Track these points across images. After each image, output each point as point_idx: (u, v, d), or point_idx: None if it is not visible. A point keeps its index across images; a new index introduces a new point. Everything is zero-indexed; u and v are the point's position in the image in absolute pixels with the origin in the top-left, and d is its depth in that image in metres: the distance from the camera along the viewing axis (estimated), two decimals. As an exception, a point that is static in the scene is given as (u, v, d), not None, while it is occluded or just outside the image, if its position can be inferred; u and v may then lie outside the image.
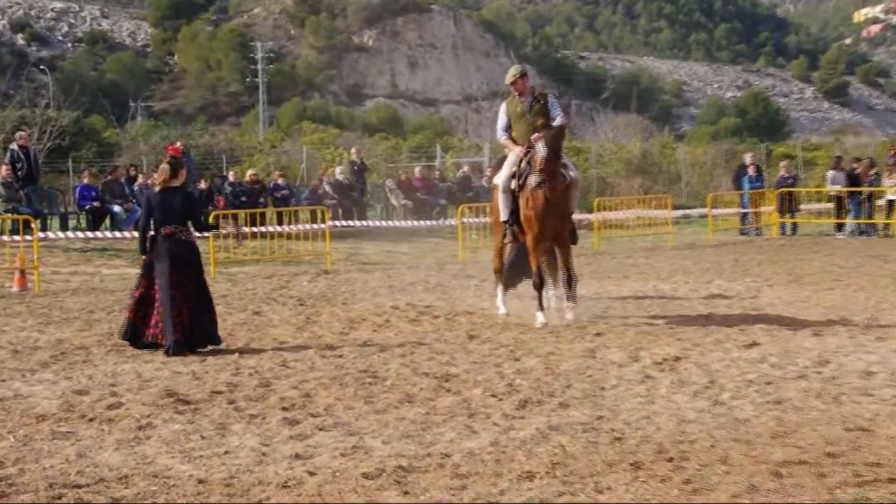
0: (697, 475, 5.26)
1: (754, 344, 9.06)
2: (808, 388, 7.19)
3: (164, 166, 9.59)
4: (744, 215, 25.34)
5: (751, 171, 25.79)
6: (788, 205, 24.84)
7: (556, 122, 10.68)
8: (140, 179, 22.66)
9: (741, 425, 6.24)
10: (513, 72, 11.17)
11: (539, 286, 10.69)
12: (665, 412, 6.60)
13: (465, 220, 20.74)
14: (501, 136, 11.24)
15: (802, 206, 26.89)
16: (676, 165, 39.15)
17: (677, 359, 8.39)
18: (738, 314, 11.09)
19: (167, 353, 8.93)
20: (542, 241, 10.74)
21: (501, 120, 11.22)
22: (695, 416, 6.47)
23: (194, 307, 9.17)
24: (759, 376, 7.63)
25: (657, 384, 7.47)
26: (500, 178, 11.16)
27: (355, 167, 25.22)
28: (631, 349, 8.90)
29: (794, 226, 24.92)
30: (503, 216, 11.00)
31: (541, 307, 10.64)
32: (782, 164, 28.14)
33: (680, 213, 26.97)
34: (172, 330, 9.00)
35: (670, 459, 5.54)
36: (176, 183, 9.50)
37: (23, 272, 15.13)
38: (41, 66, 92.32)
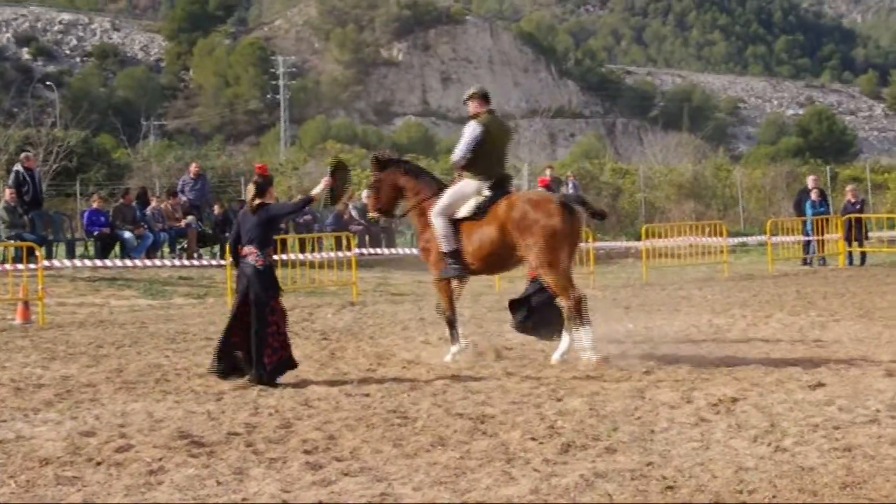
0: (758, 528, 5.20)
1: (820, 384, 8.95)
2: (881, 434, 7.09)
3: (250, 186, 9.90)
4: (807, 243, 25.15)
5: (814, 195, 25.63)
6: (856, 232, 24.62)
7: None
8: (153, 203, 22.90)
9: (806, 474, 6.16)
10: (467, 93, 11.45)
11: (451, 322, 11.07)
12: (721, 458, 6.53)
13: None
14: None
15: (872, 234, 26.65)
16: (732, 189, 38.99)
17: (734, 400, 8.31)
18: (802, 352, 10.99)
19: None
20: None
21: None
22: (754, 464, 6.40)
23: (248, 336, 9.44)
24: (825, 420, 7.54)
25: (712, 428, 7.39)
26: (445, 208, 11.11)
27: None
28: (683, 389, 8.83)
29: (863, 255, 24.71)
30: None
31: (454, 340, 10.99)
32: (849, 187, 27.91)
33: (736, 240, 26.87)
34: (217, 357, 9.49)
35: (728, 510, 5.49)
36: (268, 200, 9.80)
37: (26, 303, 15.27)
38: (48, 83, 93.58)
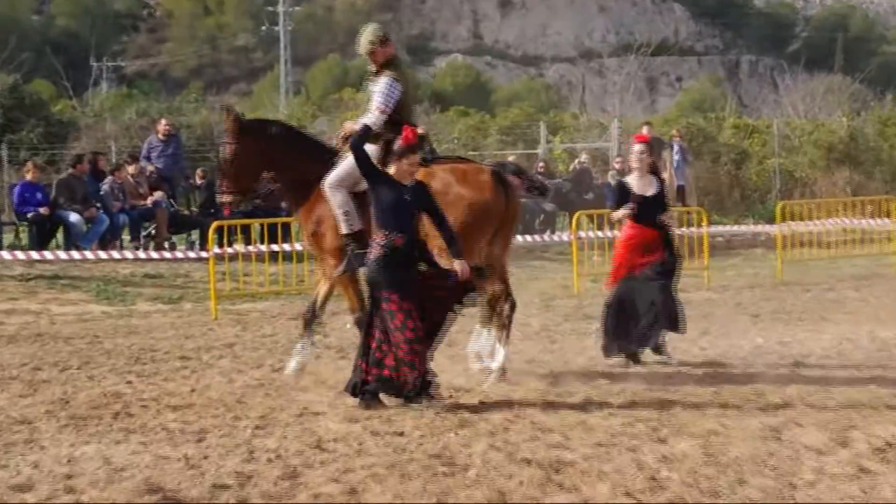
0: None
1: None
2: None
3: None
4: None
5: None
6: None
7: (358, 122, 11.30)
8: (109, 175, 22.87)
9: None
10: (367, 38, 11.69)
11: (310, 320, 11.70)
12: (890, 523, 6.51)
13: (582, 234, 20.71)
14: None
15: None
16: (905, 153, 38.58)
17: (906, 443, 8.28)
18: None
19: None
20: None
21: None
22: (935, 530, 6.38)
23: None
24: None
25: (878, 481, 7.37)
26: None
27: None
28: (836, 428, 8.80)
29: None
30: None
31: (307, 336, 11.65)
32: None
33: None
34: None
35: None
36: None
37: (-61, 310, 15.46)
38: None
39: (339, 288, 11.69)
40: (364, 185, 10.90)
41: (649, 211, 12.38)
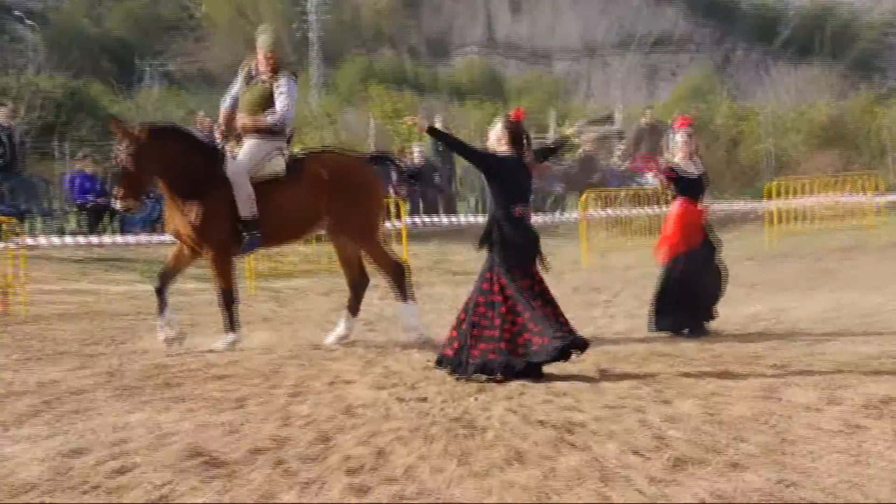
0: (928, 564, 5.09)
1: None
2: None
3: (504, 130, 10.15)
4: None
5: None
6: None
7: (269, 117, 11.77)
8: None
9: None
10: (265, 45, 12.03)
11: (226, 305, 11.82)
12: (878, 476, 6.42)
13: (590, 213, 20.63)
14: (224, 103, 12.26)
15: None
16: (884, 133, 38.46)
17: (893, 400, 8.19)
18: (978, 337, 10.81)
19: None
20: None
21: (233, 87, 12.31)
22: (921, 481, 6.29)
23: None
24: None
25: (866, 436, 7.29)
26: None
27: (439, 145, 25.30)
28: (827, 387, 8.74)
29: None
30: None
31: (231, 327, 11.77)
32: None
33: (891, 198, 26.43)
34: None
35: (888, 542, 5.38)
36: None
37: (2, 291, 15.44)
38: (26, 20, 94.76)
39: (213, 267, 11.80)
40: (264, 173, 11.51)
41: (696, 190, 12.38)
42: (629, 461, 6.86)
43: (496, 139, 10.11)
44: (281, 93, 11.77)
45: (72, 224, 22.16)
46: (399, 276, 12.16)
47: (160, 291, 11.80)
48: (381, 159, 13.28)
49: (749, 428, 7.58)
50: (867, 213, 23.48)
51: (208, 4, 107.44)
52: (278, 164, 11.75)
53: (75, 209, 21.94)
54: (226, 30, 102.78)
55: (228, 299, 11.78)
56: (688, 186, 12.39)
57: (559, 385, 9.21)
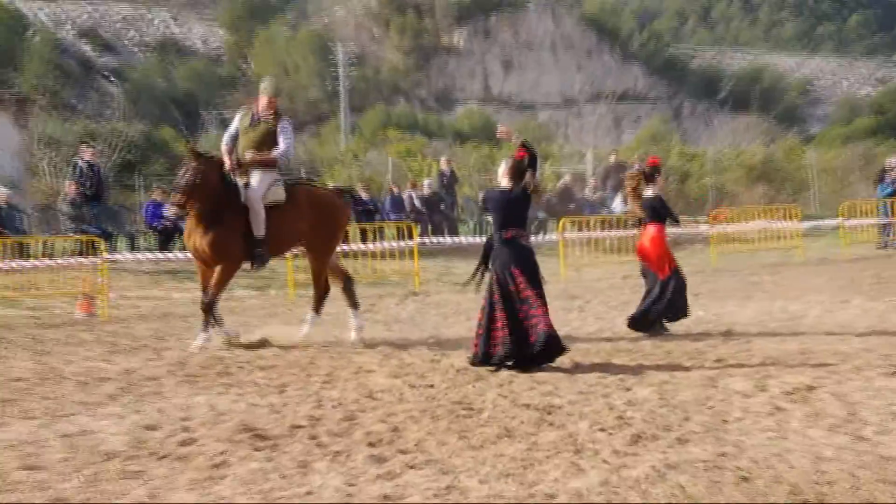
0: (838, 521, 5.10)
1: (900, 371, 8.81)
2: (965, 422, 6.94)
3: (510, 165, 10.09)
4: (883, 226, 24.71)
5: (891, 175, 25.20)
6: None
7: (275, 153, 11.64)
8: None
9: (888, 464, 6.04)
10: (269, 90, 11.91)
11: (209, 307, 11.43)
12: (798, 449, 6.42)
13: (566, 234, 20.62)
14: (223, 142, 11.94)
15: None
16: (805, 171, 38.43)
17: (811, 388, 8.18)
18: (880, 338, 10.78)
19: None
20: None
21: (231, 126, 12.04)
22: (833, 454, 6.28)
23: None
24: (906, 408, 7.41)
25: (788, 417, 7.29)
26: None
27: (444, 179, 25.30)
28: (757, 377, 8.72)
29: (943, 238, 24.27)
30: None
31: (205, 328, 11.48)
32: (920, 166, 27.38)
33: (809, 224, 26.41)
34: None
35: (806, 503, 5.38)
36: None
37: (89, 297, 15.46)
38: (109, 76, 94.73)
39: (220, 277, 11.54)
40: (270, 198, 11.50)
41: (665, 217, 12.35)
42: (597, 437, 6.87)
43: (502, 173, 10.14)
44: (283, 133, 11.71)
45: (146, 242, 22.14)
46: (349, 285, 12.21)
47: (209, 308, 11.52)
48: (345, 192, 13.26)
49: (694, 410, 7.58)
50: (791, 237, 23.44)
51: (257, 64, 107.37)
52: (280, 193, 11.68)
53: (149, 230, 21.95)
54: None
55: (215, 304, 11.56)
56: (662, 214, 12.35)
57: (541, 375, 9.20)
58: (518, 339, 9.43)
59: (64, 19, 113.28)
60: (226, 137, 11.98)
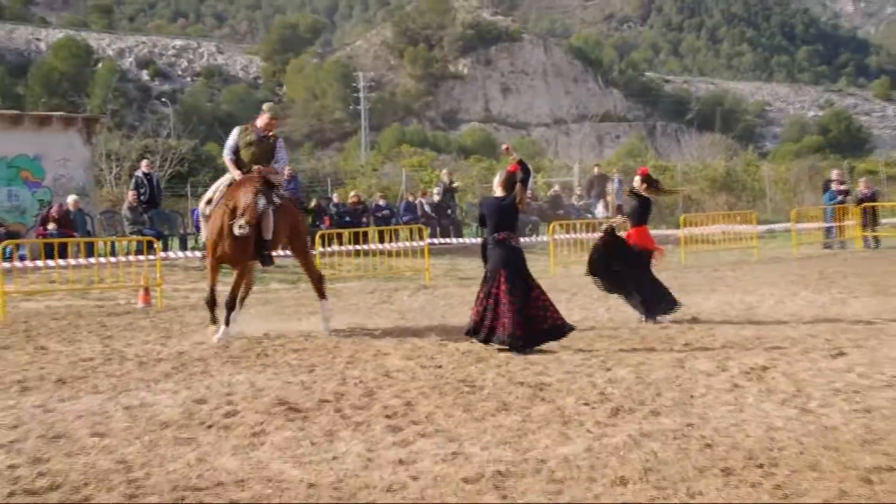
0: (788, 481, 5.12)
1: (841, 354, 8.80)
2: (897, 398, 6.94)
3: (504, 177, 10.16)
4: (828, 229, 24.73)
5: (834, 185, 25.28)
6: (870, 219, 24.23)
7: (276, 166, 11.38)
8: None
9: (830, 433, 6.06)
10: (272, 112, 11.63)
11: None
12: (754, 420, 6.44)
13: (556, 236, 20.61)
14: (227, 155, 11.53)
15: (885, 220, 26.21)
16: (760, 182, 38.42)
17: (765, 368, 8.19)
18: (824, 325, 10.78)
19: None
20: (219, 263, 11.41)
21: (231, 141, 11.56)
22: (783, 424, 6.30)
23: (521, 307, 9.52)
24: (846, 385, 7.41)
25: (745, 393, 7.29)
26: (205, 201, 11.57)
27: (445, 188, 25.34)
28: (719, 359, 8.72)
29: (877, 239, 24.22)
30: (203, 236, 11.58)
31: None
32: (862, 179, 27.43)
33: (764, 227, 26.36)
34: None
35: (760, 466, 5.40)
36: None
37: (147, 289, 15.50)
38: (163, 99, 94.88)
39: (241, 277, 11.42)
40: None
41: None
42: (582, 410, 6.89)
43: (496, 184, 10.24)
44: (281, 151, 11.47)
45: (195, 243, 22.16)
46: (319, 281, 11.98)
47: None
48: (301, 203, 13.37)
49: (665, 387, 7.58)
50: (749, 238, 23.41)
51: (290, 89, 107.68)
52: (279, 201, 11.44)
53: (197, 232, 21.94)
54: (301, 106, 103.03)
55: (234, 300, 11.37)
56: (646, 216, 12.44)
57: (533, 357, 9.20)
58: (525, 319, 9.45)
59: (125, 51, 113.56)
60: (228, 152, 11.47)
